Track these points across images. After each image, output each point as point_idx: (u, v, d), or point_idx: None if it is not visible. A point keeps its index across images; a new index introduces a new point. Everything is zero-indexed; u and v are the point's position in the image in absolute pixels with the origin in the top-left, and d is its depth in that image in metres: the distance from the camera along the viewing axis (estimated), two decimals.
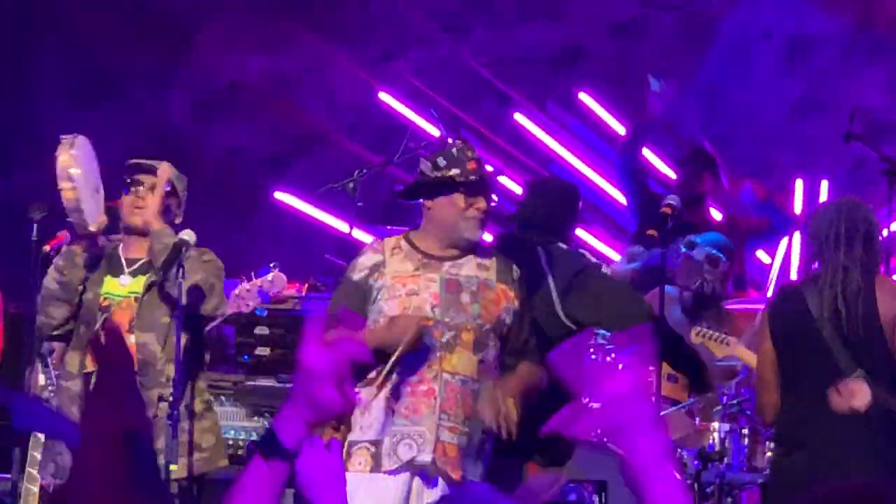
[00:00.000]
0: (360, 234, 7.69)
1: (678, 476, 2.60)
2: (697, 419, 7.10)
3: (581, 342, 4.60)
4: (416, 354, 5.62)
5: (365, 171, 7.24)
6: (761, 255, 9.40)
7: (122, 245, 6.15)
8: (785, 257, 9.28)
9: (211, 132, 9.16)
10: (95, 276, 6.13)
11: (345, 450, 5.59)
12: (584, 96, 9.56)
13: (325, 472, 3.02)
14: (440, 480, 5.58)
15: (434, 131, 8.09)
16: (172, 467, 5.88)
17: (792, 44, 9.63)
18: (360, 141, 9.12)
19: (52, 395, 6.70)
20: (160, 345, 5.98)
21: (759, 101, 9.67)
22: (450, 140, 6.41)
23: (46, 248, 6.53)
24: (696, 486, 6.66)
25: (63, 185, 5.87)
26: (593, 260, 6.55)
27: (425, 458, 5.53)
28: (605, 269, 6.66)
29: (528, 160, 9.55)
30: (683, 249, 7.55)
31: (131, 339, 5.97)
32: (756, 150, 9.47)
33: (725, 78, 9.66)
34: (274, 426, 2.70)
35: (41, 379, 6.77)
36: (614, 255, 9.20)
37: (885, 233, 7.89)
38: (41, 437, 6.66)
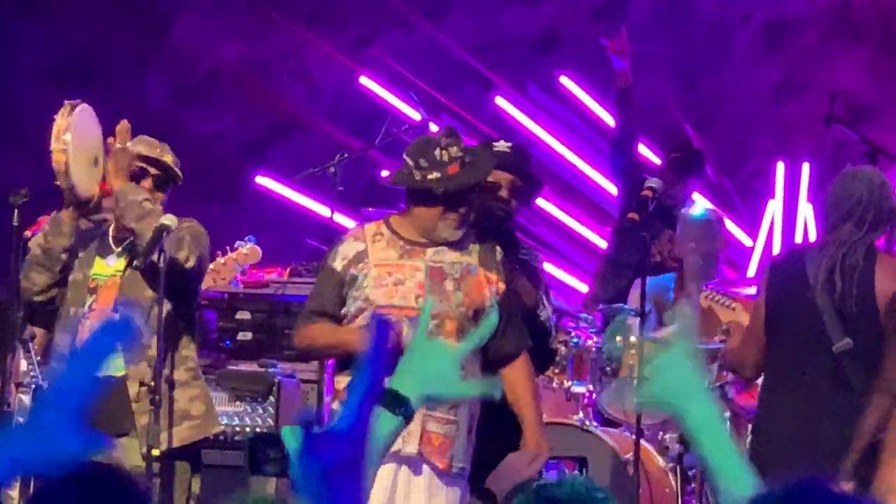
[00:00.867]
0: (341, 219, 7.69)
1: None
2: None
3: None
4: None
5: (346, 155, 7.24)
6: (741, 236, 9.44)
7: (111, 226, 6.14)
8: (767, 238, 9.33)
9: (190, 118, 9.16)
10: (86, 257, 6.13)
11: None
12: (564, 80, 9.58)
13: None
14: (425, 468, 5.60)
15: (415, 115, 8.09)
16: (154, 452, 5.85)
17: (770, 27, 9.65)
18: (341, 125, 9.13)
19: (34, 380, 6.70)
20: (143, 320, 5.95)
21: (738, 85, 9.69)
22: (434, 127, 6.39)
23: (27, 233, 6.52)
24: (678, 468, 6.71)
25: (54, 146, 5.88)
26: None
27: (411, 449, 5.55)
28: None
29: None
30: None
31: (116, 317, 5.86)
32: (736, 134, 9.50)
33: (704, 62, 9.68)
34: None
35: (23, 364, 6.76)
36: (596, 239, 9.23)
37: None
38: (23, 421, 6.68)
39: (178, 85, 9.52)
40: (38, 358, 6.72)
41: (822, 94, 8.72)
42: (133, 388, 5.92)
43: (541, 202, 9.34)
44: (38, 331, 6.58)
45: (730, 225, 9.24)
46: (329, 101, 9.57)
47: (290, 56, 9.70)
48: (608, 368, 7.16)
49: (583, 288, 9.07)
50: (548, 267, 8.95)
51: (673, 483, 6.76)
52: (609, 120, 8.75)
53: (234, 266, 7.23)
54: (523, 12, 9.78)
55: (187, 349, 6.10)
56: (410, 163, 5.72)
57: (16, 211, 6.38)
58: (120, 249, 6.07)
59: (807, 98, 9.23)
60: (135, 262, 5.99)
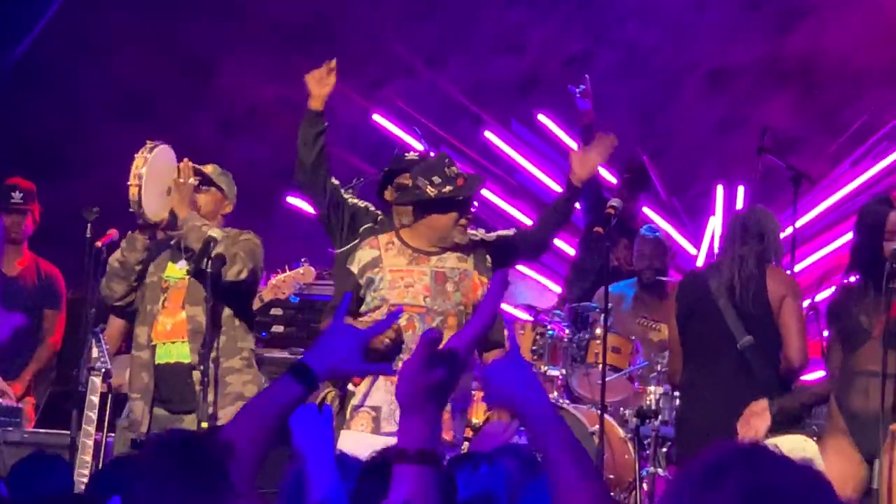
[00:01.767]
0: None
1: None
2: (636, 383, 7.13)
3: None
4: (413, 338, 5.52)
5: (362, 179, 7.21)
6: (688, 246, 9.45)
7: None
8: (709, 247, 9.33)
9: (233, 147, 9.15)
10: (160, 261, 6.09)
11: (348, 412, 5.56)
12: (542, 117, 9.57)
13: (315, 429, 2.95)
14: None
15: (418, 146, 8.09)
16: (203, 425, 5.77)
17: (714, 74, 9.62)
18: (357, 154, 9.11)
19: (103, 364, 6.68)
20: (206, 316, 5.92)
21: (686, 121, 9.70)
22: (432, 154, 6.36)
23: (98, 243, 6.51)
24: (635, 439, 6.73)
25: (130, 181, 5.85)
26: None
27: None
28: None
29: (496, 170, 9.56)
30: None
31: (182, 314, 5.99)
32: (684, 162, 9.49)
33: (658, 102, 9.67)
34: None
35: (95, 352, 6.76)
36: (566, 247, 9.22)
37: (790, 230, 7.97)
38: (94, 399, 6.67)
39: (222, 120, 9.52)
40: (107, 346, 6.72)
41: (754, 129, 8.69)
42: (197, 375, 5.85)
43: (522, 217, 9.39)
44: (117, 322, 6.58)
45: (678, 237, 9.27)
46: (347, 134, 9.55)
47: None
48: (577, 356, 7.19)
49: (556, 288, 9.07)
50: (527, 270, 9.01)
51: (631, 450, 6.77)
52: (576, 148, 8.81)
53: (292, 284, 7.20)
54: (508, 61, 9.77)
55: (244, 341, 6.04)
56: (421, 182, 5.65)
57: (88, 225, 6.38)
58: (188, 257, 6.04)
59: (743, 132, 9.21)
60: (188, 268, 5.99)
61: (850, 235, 9.18)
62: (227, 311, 5.96)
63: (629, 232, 7.78)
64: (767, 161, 8.49)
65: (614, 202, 6.28)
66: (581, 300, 7.58)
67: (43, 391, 7.47)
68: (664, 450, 6.83)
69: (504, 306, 7.79)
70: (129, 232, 6.06)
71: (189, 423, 5.89)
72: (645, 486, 6.65)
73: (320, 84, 6.24)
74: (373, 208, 6.14)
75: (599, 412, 6.19)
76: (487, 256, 5.82)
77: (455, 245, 5.72)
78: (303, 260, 7.20)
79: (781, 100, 9.49)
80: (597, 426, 6.31)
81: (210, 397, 5.80)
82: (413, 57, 9.60)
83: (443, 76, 9.59)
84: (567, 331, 7.20)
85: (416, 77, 9.58)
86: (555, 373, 7.17)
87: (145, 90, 9.30)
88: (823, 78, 9.56)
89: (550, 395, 6.98)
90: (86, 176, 7.62)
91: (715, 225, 9.35)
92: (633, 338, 7.31)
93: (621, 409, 7.06)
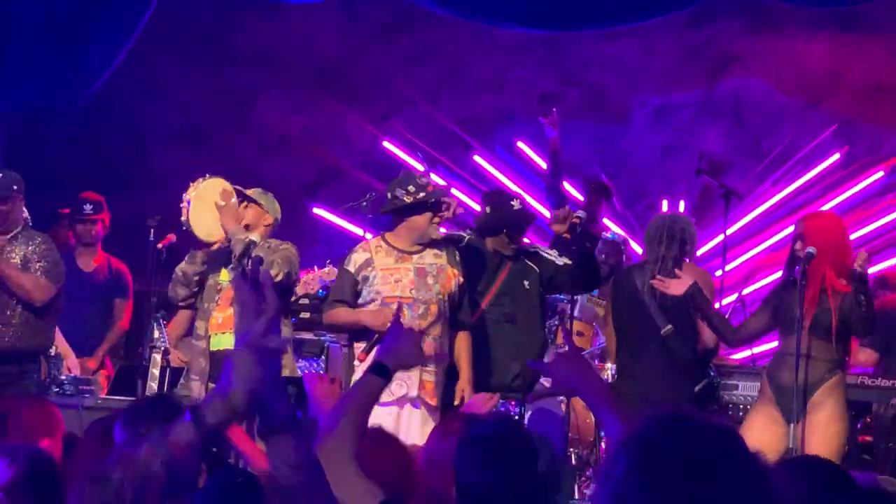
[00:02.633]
0: (369, 236, 7.70)
1: None
2: (596, 360, 7.12)
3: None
4: (405, 322, 5.52)
5: (373, 194, 7.18)
6: (639, 250, 9.45)
7: None
8: None
9: (267, 166, 9.17)
10: (216, 267, 6.02)
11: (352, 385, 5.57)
12: (520, 144, 9.58)
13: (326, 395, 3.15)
14: (421, 405, 5.53)
15: (419, 167, 8.13)
16: None
17: (659, 108, 9.58)
18: (369, 174, 9.12)
19: (162, 345, 6.69)
20: None
21: (637, 148, 9.73)
22: (402, 171, 6.33)
23: (159, 245, 6.55)
24: None
25: (182, 206, 5.88)
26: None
27: (413, 392, 5.50)
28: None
29: (483, 187, 9.54)
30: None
31: (230, 310, 5.87)
32: (635, 181, 9.49)
33: (614, 132, 9.65)
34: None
35: (155, 334, 6.79)
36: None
37: (721, 237, 7.97)
38: (155, 371, 6.69)
39: (258, 145, 9.53)
40: (166, 329, 6.74)
41: (693, 155, 8.75)
42: None
43: None
44: (185, 312, 6.52)
45: (631, 242, 9.31)
46: (361, 157, 9.59)
47: (335, 125, 9.68)
48: (548, 339, 7.19)
49: None
50: None
51: (592, 416, 6.68)
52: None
53: (319, 281, 7.20)
54: (492, 97, 9.74)
55: (284, 329, 5.92)
56: (399, 192, 5.67)
57: (151, 230, 6.42)
58: (235, 261, 5.95)
59: (683, 157, 9.21)
60: (230, 267, 5.94)
61: (771, 241, 9.31)
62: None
63: (592, 237, 7.79)
64: (703, 180, 8.55)
65: (580, 213, 6.27)
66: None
67: (113, 365, 7.48)
68: None
69: None
70: (191, 250, 6.02)
71: None
72: (602, 443, 6.64)
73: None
74: None
75: None
76: (457, 253, 5.82)
77: (431, 242, 5.72)
78: (327, 261, 7.25)
79: (714, 130, 9.50)
80: (563, 396, 6.29)
81: None
82: (414, 94, 9.57)
83: (439, 110, 9.57)
84: None
85: (417, 111, 9.57)
86: None
87: (197, 121, 9.31)
88: (749, 112, 9.55)
89: None
90: (150, 190, 7.64)
91: None
92: (594, 324, 7.32)
93: None
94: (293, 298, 6.79)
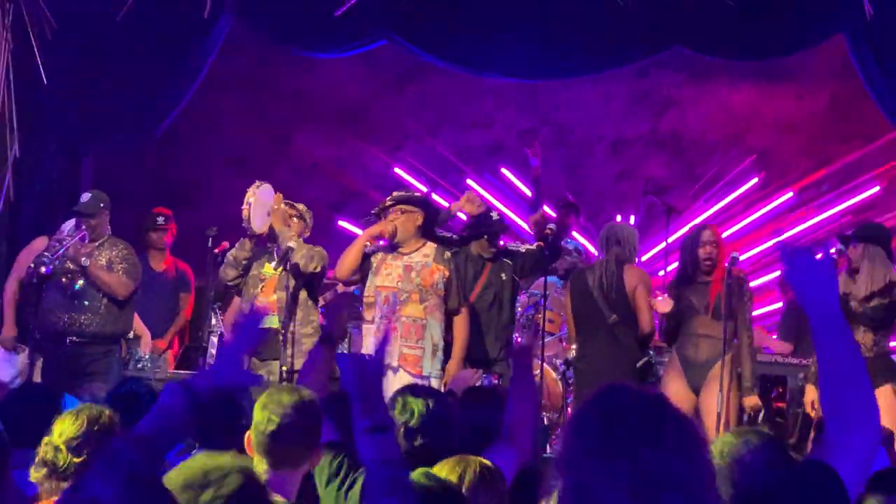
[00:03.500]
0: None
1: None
2: (564, 342, 7.12)
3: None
4: (389, 308, 5.64)
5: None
6: (596, 254, 9.44)
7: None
8: None
9: (303, 189, 9.10)
10: (260, 262, 5.98)
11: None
12: (504, 170, 9.56)
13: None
14: (401, 371, 5.55)
15: (422, 188, 8.17)
16: (283, 367, 5.67)
17: (614, 143, 9.54)
18: (383, 194, 9.10)
19: (218, 329, 6.71)
20: (288, 298, 5.83)
21: (596, 174, 9.73)
22: (433, 194, 6.42)
23: (216, 251, 6.56)
24: (563, 378, 6.65)
25: (244, 206, 5.83)
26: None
27: (394, 363, 5.54)
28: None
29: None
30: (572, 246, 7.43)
31: (273, 296, 5.87)
32: (595, 201, 9.43)
33: (578, 161, 9.62)
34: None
35: (213, 321, 6.82)
36: None
37: (663, 244, 7.95)
38: (213, 351, 6.65)
39: (295, 170, 9.49)
40: (221, 317, 6.75)
41: (640, 179, 8.78)
42: (279, 335, 5.79)
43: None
44: (236, 303, 6.50)
45: (592, 249, 9.30)
46: (376, 180, 9.58)
47: (355, 156, 9.66)
48: (527, 324, 7.17)
49: None
50: None
51: (560, 386, 6.72)
52: (527, 192, 8.83)
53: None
54: (482, 133, 9.74)
55: (313, 314, 5.93)
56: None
57: (209, 238, 6.45)
58: (278, 259, 5.97)
59: (633, 181, 9.22)
60: (275, 265, 5.94)
61: None
62: (303, 295, 5.86)
63: (558, 251, 7.75)
64: (649, 199, 8.57)
65: (552, 226, 6.31)
66: (528, 289, 7.61)
67: (179, 346, 7.50)
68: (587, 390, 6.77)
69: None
70: (241, 238, 5.96)
71: (273, 367, 5.76)
72: (569, 409, 6.62)
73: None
74: None
75: (540, 361, 6.16)
76: (447, 253, 5.88)
77: (424, 244, 5.80)
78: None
79: (658, 160, 9.51)
80: (538, 370, 6.33)
81: (288, 351, 5.74)
82: (419, 130, 9.56)
83: (439, 143, 9.55)
84: (520, 308, 7.23)
85: (422, 143, 9.57)
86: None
87: (245, 150, 9.28)
88: (685, 145, 9.55)
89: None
90: (207, 206, 7.65)
91: None
92: (562, 313, 7.33)
93: (554, 359, 7.08)
94: (336, 293, 6.79)
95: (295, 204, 6.08)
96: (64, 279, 6.01)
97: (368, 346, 5.64)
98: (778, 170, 9.31)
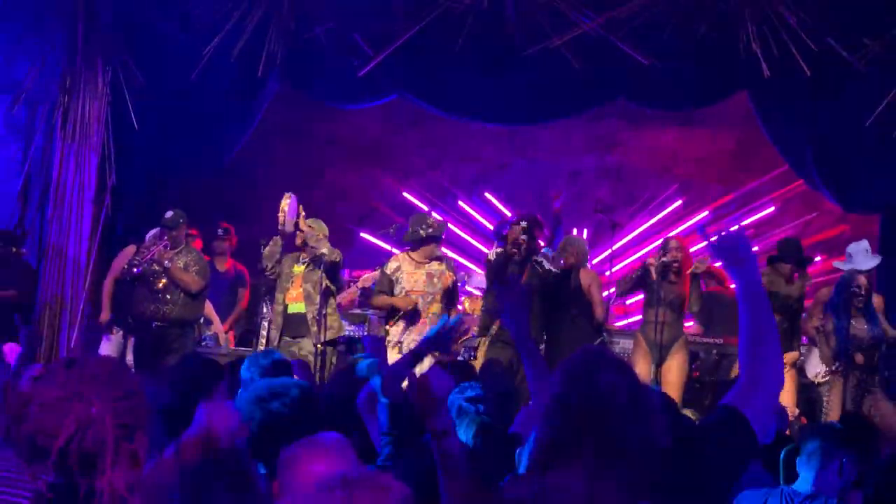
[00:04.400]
0: (397, 251, 7.64)
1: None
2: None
3: None
4: (417, 312, 5.62)
5: (398, 225, 7.05)
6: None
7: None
8: None
9: (334, 209, 9.01)
10: (290, 263, 5.87)
11: (390, 345, 5.48)
12: (488, 195, 9.44)
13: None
14: (430, 358, 5.46)
15: (424, 207, 8.20)
16: (319, 346, 5.67)
17: (572, 174, 9.33)
18: (395, 212, 8.72)
19: (268, 316, 6.79)
20: (313, 290, 5.77)
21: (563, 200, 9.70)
22: (416, 213, 6.25)
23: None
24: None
25: (280, 214, 5.82)
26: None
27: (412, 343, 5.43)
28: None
29: (463, 220, 9.50)
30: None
31: (301, 289, 5.75)
32: (567, 221, 9.42)
33: (545, 186, 9.18)
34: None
35: (264, 310, 6.88)
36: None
37: (609, 251, 7.93)
38: (263, 333, 6.62)
39: (328, 195, 9.35)
40: (270, 308, 6.80)
41: (591, 200, 8.70)
42: (309, 316, 5.73)
43: (479, 245, 9.22)
44: (280, 295, 6.46)
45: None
46: (390, 201, 9.58)
47: (373, 182, 9.39)
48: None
49: None
50: (475, 268, 8.72)
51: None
52: (506, 213, 8.83)
53: (372, 280, 6.82)
54: (471, 164, 9.54)
55: (333, 299, 5.92)
56: (418, 228, 5.68)
57: (261, 246, 6.43)
58: (304, 258, 5.91)
59: (585, 203, 9.03)
60: (308, 265, 5.87)
61: (638, 255, 9.35)
62: (325, 283, 5.79)
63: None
64: (598, 216, 8.64)
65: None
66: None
67: (238, 330, 7.50)
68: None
69: (469, 288, 7.88)
70: (275, 236, 5.91)
71: (303, 343, 5.66)
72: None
73: None
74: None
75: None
76: (452, 263, 5.90)
77: (437, 258, 5.74)
78: (377, 267, 7.31)
79: (606, 186, 9.38)
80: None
81: (315, 329, 5.68)
82: (423, 164, 9.42)
83: (437, 173, 9.45)
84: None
85: (425, 175, 9.43)
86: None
87: (288, 178, 8.95)
88: (626, 175, 9.45)
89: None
90: (259, 222, 7.70)
91: None
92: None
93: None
94: (358, 291, 6.74)
95: (304, 220, 5.97)
96: (151, 278, 6.08)
97: (400, 336, 5.50)
98: (697, 194, 9.34)
